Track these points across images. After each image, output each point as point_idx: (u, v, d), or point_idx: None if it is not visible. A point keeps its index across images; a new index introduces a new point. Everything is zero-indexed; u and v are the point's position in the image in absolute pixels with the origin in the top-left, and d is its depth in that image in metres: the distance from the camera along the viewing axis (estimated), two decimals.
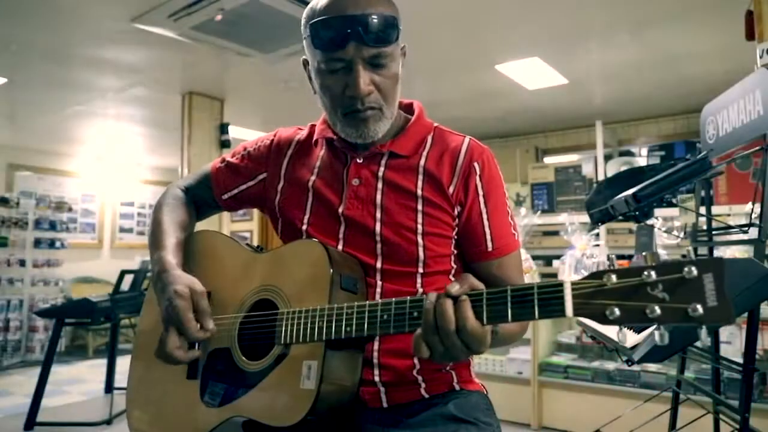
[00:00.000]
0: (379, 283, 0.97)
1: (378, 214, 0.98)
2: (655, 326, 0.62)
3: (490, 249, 1.00)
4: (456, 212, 1.00)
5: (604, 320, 0.62)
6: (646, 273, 0.61)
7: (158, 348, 0.92)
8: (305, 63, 1.02)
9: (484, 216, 1.00)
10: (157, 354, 0.93)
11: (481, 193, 1.00)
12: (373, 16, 0.90)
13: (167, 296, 0.93)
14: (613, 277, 0.62)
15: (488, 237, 1.00)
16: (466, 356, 0.75)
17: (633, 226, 3.55)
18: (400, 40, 0.99)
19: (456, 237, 1.02)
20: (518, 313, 0.68)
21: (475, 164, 1.00)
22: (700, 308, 0.57)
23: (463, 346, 0.72)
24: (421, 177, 1.00)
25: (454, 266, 1.03)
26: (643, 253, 0.63)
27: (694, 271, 0.58)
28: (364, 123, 0.96)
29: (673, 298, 0.59)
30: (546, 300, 0.66)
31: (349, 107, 0.95)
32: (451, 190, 0.99)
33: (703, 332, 0.59)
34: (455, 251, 1.03)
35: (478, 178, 1.00)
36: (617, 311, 0.61)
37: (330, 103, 0.98)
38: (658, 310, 0.59)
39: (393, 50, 0.95)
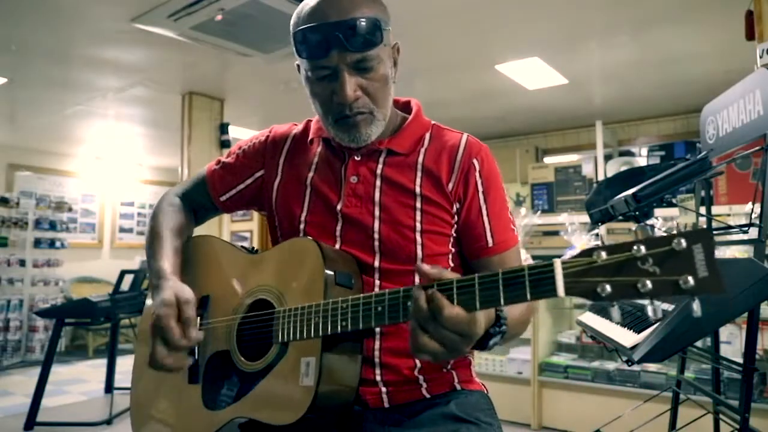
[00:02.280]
0: (377, 282, 0.97)
1: (377, 212, 0.98)
2: (648, 302, 0.61)
3: (490, 245, 1.00)
4: (455, 209, 1.00)
5: (596, 297, 0.62)
6: (635, 248, 0.60)
7: (149, 358, 0.91)
8: (299, 67, 1.01)
9: (484, 212, 1.00)
10: (149, 364, 0.92)
11: (480, 189, 1.00)
12: (355, 21, 0.89)
13: (155, 305, 0.92)
14: (603, 254, 0.62)
15: (488, 233, 1.00)
16: (466, 345, 0.73)
17: (633, 226, 3.55)
18: (391, 40, 0.98)
19: (455, 234, 1.02)
20: (510, 296, 0.68)
21: (475, 161, 1.01)
22: (691, 279, 0.57)
23: (455, 334, 0.71)
24: (419, 174, 1.00)
25: (452, 264, 1.03)
26: (633, 229, 0.63)
27: (683, 243, 0.58)
28: (356, 128, 0.96)
29: (663, 271, 0.59)
30: (537, 281, 0.66)
31: (338, 113, 0.95)
32: (450, 186, 1.00)
33: (696, 304, 0.58)
34: (453, 249, 1.03)
35: (477, 174, 1.00)
36: (608, 287, 0.61)
37: (320, 109, 0.98)
38: (649, 284, 0.59)
39: (379, 52, 0.94)
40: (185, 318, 0.91)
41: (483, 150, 1.03)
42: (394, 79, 1.01)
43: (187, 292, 0.93)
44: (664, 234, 0.58)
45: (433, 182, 0.99)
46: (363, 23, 0.90)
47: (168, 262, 1.01)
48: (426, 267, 0.74)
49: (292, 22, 0.98)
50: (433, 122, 1.09)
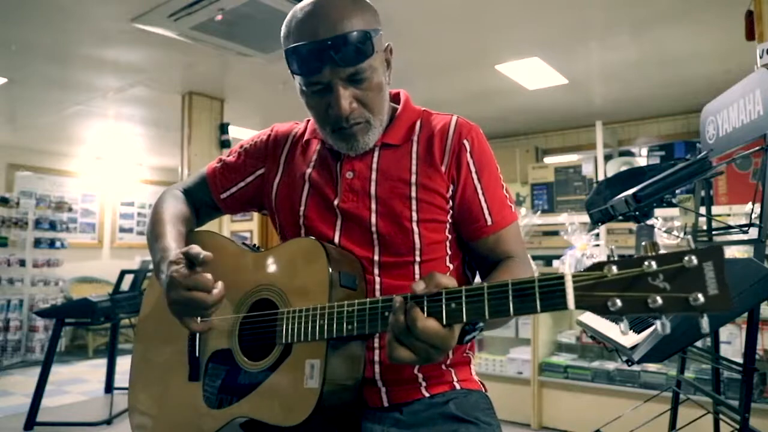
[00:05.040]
0: (378, 279, 0.97)
1: (373, 205, 0.99)
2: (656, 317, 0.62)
3: (489, 223, 1.01)
4: (450, 192, 1.01)
5: (606, 312, 0.62)
6: (646, 263, 0.61)
7: (182, 314, 0.90)
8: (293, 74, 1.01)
9: (479, 191, 1.01)
10: (186, 320, 0.90)
11: (473, 169, 1.01)
12: (346, 37, 0.89)
13: (167, 274, 0.91)
14: (614, 268, 0.62)
15: (486, 212, 1.01)
16: (440, 355, 0.74)
17: (633, 226, 3.55)
18: (383, 43, 0.98)
19: (451, 220, 1.02)
20: (520, 307, 0.68)
21: (465, 141, 1.01)
22: (701, 297, 0.57)
23: (428, 346, 0.73)
24: (414, 161, 1.01)
25: (449, 252, 1.03)
26: (643, 243, 0.63)
27: (694, 260, 0.58)
28: (353, 137, 0.97)
29: (674, 288, 0.59)
30: (547, 293, 0.66)
31: (335, 125, 0.96)
32: (443, 168, 1.00)
33: (705, 321, 0.59)
34: (449, 236, 1.03)
35: (468, 154, 1.01)
36: (618, 302, 0.61)
37: (317, 120, 0.99)
38: (659, 300, 0.59)
39: (371, 63, 0.93)
40: (193, 255, 0.90)
41: (473, 130, 1.03)
42: (388, 80, 1.01)
43: (193, 247, 0.92)
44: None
45: (428, 167, 1.00)
46: (354, 37, 0.89)
47: (175, 242, 1.01)
48: (420, 287, 0.74)
49: (282, 33, 0.97)
50: (423, 109, 1.09)
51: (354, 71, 0.91)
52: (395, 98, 1.11)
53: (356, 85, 0.93)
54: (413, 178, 0.99)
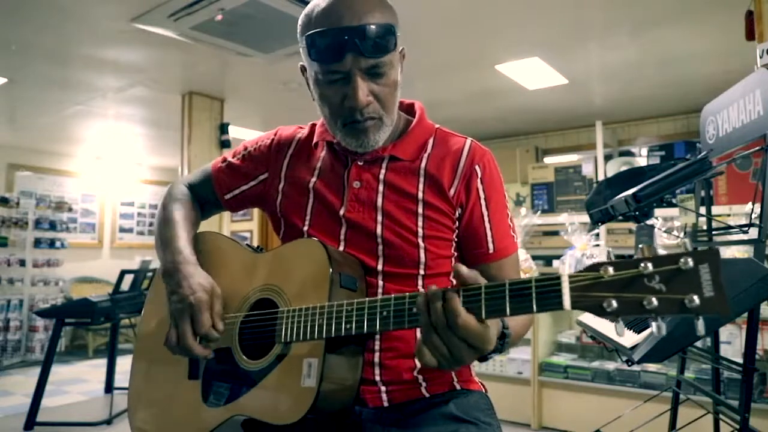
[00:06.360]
0: (381, 283, 0.97)
1: (379, 218, 0.99)
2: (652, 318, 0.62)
3: (491, 251, 1.01)
4: (457, 214, 1.01)
5: (602, 312, 0.62)
6: (642, 265, 0.61)
7: (175, 339, 0.93)
8: (303, 69, 1.01)
9: (486, 218, 1.01)
10: (174, 344, 0.93)
11: (482, 195, 1.01)
12: (371, 27, 0.89)
13: (188, 286, 0.94)
14: (610, 269, 0.63)
15: (490, 239, 1.01)
16: (472, 357, 0.73)
17: (633, 226, 3.55)
18: (399, 44, 0.98)
19: (456, 239, 1.02)
20: (517, 307, 0.68)
21: (477, 167, 1.01)
22: (696, 299, 0.58)
23: (464, 343, 0.71)
24: (422, 179, 1.00)
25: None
26: (640, 246, 0.63)
27: (690, 262, 0.59)
28: (364, 133, 0.96)
29: (669, 289, 0.59)
30: (544, 293, 0.66)
31: (348, 118, 0.95)
32: (451, 192, 1.00)
33: (700, 324, 0.59)
34: (455, 253, 1.03)
35: (479, 180, 1.00)
36: (614, 303, 0.62)
37: (329, 113, 0.98)
38: (655, 301, 0.60)
39: (391, 58, 0.94)
40: (217, 311, 0.94)
41: (486, 156, 1.03)
42: (401, 82, 1.01)
43: (218, 288, 0.97)
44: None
45: (435, 188, 1.00)
46: (379, 29, 0.89)
47: (189, 247, 1.04)
48: (464, 269, 0.73)
49: (301, 23, 0.97)
50: (437, 126, 1.08)
51: (375, 63, 0.91)
52: (410, 109, 1.10)
53: (374, 79, 0.93)
54: (420, 195, 0.99)
